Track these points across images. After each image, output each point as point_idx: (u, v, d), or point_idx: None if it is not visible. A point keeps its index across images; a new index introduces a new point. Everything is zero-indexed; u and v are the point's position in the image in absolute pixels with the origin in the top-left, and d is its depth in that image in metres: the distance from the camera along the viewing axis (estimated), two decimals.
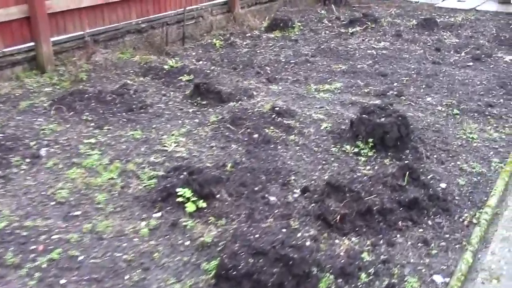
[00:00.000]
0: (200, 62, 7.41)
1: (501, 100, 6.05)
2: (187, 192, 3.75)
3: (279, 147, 4.76)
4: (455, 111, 5.71)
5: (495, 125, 5.46)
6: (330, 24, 9.70)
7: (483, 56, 7.63)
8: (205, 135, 4.98)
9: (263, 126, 5.04)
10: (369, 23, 9.43)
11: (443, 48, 8.12)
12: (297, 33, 9.05)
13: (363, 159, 4.58)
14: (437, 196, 3.95)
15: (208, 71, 6.88)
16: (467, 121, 5.49)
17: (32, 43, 6.46)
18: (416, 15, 10.48)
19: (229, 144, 4.81)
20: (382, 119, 4.67)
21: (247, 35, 8.89)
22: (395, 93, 6.13)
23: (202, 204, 3.77)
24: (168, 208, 3.77)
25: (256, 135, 4.91)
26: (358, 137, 4.77)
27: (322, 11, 10.72)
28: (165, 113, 5.51)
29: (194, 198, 3.75)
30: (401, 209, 3.72)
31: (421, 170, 4.35)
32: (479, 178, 4.40)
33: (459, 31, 9.18)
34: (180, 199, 3.73)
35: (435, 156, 4.71)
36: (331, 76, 6.82)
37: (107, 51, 7.23)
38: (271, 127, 5.05)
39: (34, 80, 6.24)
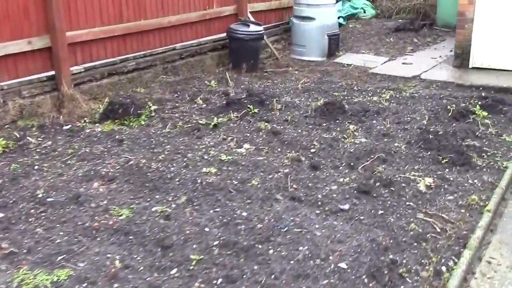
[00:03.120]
0: None
1: None
2: None
3: None
4: None
5: None
6: (204, 106, 6.63)
7: (377, 184, 4.42)
8: None
9: None
10: (251, 106, 6.34)
11: (329, 160, 4.96)
12: (142, 123, 6.00)
13: None
14: None
15: None
16: None
17: None
18: (332, 89, 7.36)
19: None
20: None
21: (64, 128, 5.85)
22: None
23: None
24: None
25: None
26: None
27: (213, 82, 7.68)
28: None
29: None
30: None
31: None
32: None
33: (374, 122, 6.02)
34: None
35: None
36: (83, 241, 3.64)
37: None
38: None
39: None
